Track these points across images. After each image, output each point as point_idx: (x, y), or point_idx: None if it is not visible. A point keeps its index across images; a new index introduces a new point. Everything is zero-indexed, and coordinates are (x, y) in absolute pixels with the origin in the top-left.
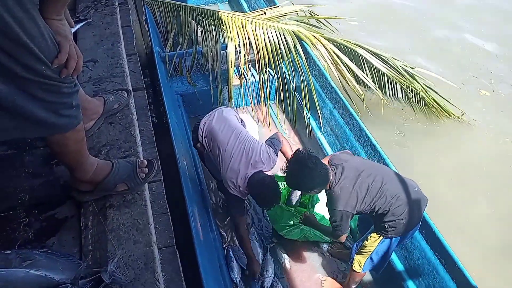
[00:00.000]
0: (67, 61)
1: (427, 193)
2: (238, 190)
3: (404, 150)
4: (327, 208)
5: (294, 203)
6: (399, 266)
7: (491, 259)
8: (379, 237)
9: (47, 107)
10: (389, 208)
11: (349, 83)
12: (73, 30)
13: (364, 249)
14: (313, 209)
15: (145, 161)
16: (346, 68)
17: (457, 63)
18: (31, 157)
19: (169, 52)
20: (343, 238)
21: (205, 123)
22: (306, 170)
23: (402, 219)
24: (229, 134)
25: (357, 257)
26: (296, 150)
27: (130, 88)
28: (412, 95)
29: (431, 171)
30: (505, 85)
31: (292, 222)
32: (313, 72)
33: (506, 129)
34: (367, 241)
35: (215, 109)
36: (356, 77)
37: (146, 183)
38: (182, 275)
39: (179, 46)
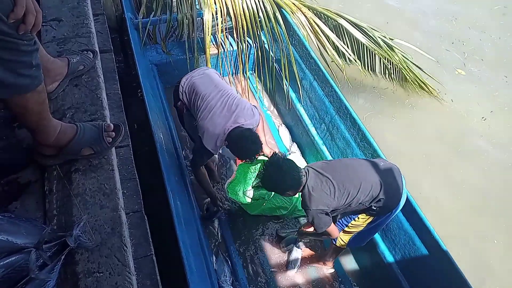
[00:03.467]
0: (25, 16)
1: (399, 165)
2: (213, 142)
3: (381, 122)
4: (303, 209)
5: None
6: (377, 236)
7: (456, 223)
8: (369, 217)
9: (5, 66)
10: (367, 196)
11: (329, 53)
12: None
13: (350, 228)
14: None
15: (112, 125)
16: (326, 38)
17: (431, 37)
18: None
19: (142, 19)
20: (335, 233)
21: (186, 79)
22: (280, 173)
23: (385, 199)
24: (211, 88)
25: (342, 235)
26: (273, 153)
27: (97, 49)
28: (391, 67)
29: (404, 144)
30: (476, 59)
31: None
32: (293, 42)
33: (479, 108)
34: (354, 221)
35: (196, 69)
36: (335, 48)
37: (114, 148)
38: (151, 240)
39: (153, 13)
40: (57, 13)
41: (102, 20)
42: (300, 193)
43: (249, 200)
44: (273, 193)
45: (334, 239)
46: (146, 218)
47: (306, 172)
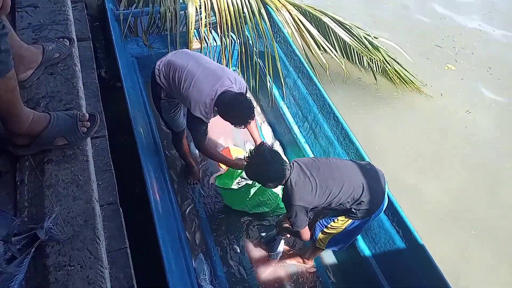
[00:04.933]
0: None
1: (383, 165)
2: (203, 110)
3: (364, 120)
4: (284, 203)
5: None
6: (358, 236)
7: (436, 224)
8: (348, 220)
9: None
10: (348, 198)
11: (313, 52)
12: None
13: (329, 229)
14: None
15: (87, 115)
16: (311, 36)
17: (420, 32)
18: None
19: (124, 10)
20: (306, 236)
21: (160, 61)
22: (264, 163)
23: (365, 203)
24: (190, 60)
25: (321, 236)
26: (260, 143)
27: (74, 36)
28: (375, 66)
29: (389, 142)
30: (468, 54)
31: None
32: (277, 39)
33: (466, 103)
34: (333, 222)
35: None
36: (320, 46)
37: (89, 138)
38: (125, 233)
39: (135, 4)
40: None
41: (81, 7)
42: (282, 187)
43: (235, 186)
44: (257, 187)
45: (313, 238)
46: (121, 210)
47: (291, 166)
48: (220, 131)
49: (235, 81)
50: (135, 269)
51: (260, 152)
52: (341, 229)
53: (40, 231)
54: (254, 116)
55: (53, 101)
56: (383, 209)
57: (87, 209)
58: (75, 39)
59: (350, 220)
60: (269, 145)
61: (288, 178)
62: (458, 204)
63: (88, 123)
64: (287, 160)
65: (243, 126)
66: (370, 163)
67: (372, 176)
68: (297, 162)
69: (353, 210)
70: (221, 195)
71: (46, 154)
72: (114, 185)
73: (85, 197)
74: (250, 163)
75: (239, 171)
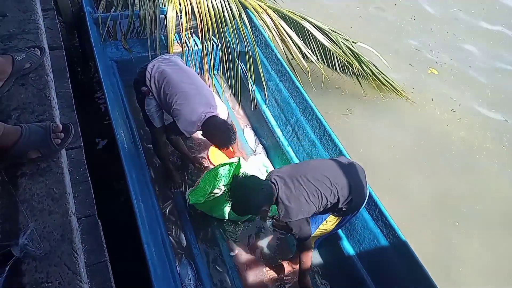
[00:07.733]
0: None
1: (367, 165)
2: (190, 127)
3: (348, 123)
4: (285, 222)
5: None
6: (343, 237)
7: (420, 221)
8: (337, 218)
9: None
10: (339, 198)
11: (294, 55)
12: None
13: (319, 231)
14: None
15: (61, 126)
16: (291, 41)
17: (395, 34)
18: None
19: (102, 13)
20: (307, 262)
21: (153, 65)
22: (248, 191)
23: (354, 200)
24: (183, 76)
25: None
26: (234, 176)
27: (46, 46)
28: (355, 71)
29: (372, 143)
30: (445, 57)
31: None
32: (259, 43)
33: (450, 105)
34: (322, 225)
35: (160, 56)
36: (300, 50)
37: (64, 150)
38: (105, 245)
39: (114, 7)
40: (1, 8)
41: (52, 16)
42: (276, 207)
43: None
44: None
45: None
46: (99, 222)
47: (274, 182)
48: None
49: (218, 104)
50: (117, 281)
51: (239, 184)
52: (331, 229)
53: (14, 248)
54: (235, 140)
55: (25, 113)
56: (365, 203)
57: (64, 223)
58: (47, 48)
59: (339, 219)
60: (242, 174)
61: (277, 195)
62: (440, 199)
63: (62, 134)
64: (268, 165)
65: (225, 148)
66: (348, 159)
67: (355, 172)
68: (278, 175)
69: (343, 209)
70: (196, 209)
71: (19, 167)
72: (91, 197)
73: (61, 210)
74: (235, 198)
75: (214, 182)
